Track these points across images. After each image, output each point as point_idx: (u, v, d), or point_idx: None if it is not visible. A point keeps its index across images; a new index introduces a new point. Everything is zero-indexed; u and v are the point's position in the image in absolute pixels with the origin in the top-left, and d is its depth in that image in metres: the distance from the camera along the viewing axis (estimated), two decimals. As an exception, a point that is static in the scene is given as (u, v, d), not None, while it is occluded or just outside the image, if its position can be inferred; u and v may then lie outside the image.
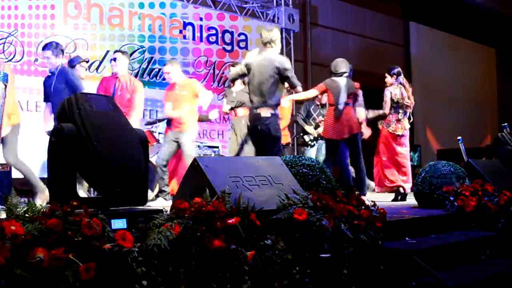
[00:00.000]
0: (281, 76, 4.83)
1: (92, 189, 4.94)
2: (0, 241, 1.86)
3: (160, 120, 6.96)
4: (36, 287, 1.89)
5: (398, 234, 3.60)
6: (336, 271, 2.84)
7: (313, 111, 7.34)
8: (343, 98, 5.48)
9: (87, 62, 6.22)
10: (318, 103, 7.35)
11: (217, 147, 7.20)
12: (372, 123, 6.23)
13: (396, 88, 5.91)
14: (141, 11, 8.15)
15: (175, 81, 5.83)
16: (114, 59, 5.55)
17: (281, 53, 9.78)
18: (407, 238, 3.62)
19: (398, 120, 5.91)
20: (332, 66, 5.68)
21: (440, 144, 11.80)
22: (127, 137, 2.75)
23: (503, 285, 3.40)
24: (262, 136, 4.84)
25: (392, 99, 5.88)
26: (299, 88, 5.05)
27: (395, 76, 6.01)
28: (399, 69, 6.12)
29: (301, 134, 7.51)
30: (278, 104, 4.91)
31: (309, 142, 7.33)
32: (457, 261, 3.55)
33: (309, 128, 7.28)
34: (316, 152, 7.30)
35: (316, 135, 7.23)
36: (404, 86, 5.96)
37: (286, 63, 4.87)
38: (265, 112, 4.79)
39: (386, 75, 6.08)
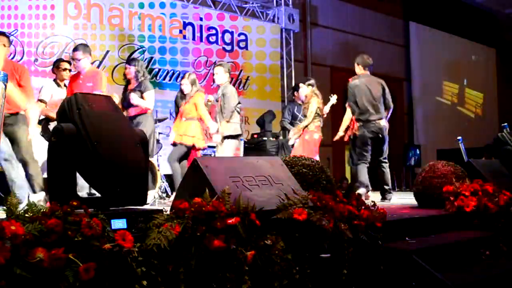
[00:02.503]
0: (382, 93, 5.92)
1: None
2: (0, 241, 1.86)
3: (160, 120, 6.96)
4: (36, 287, 1.89)
5: (398, 234, 3.60)
6: (336, 271, 2.84)
7: (297, 112, 7.14)
8: None
9: (69, 63, 5.96)
10: (300, 102, 7.18)
11: (214, 146, 7.12)
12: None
13: (319, 99, 6.39)
14: (141, 11, 8.15)
15: (80, 71, 5.39)
16: None
17: (281, 53, 9.92)
18: (407, 238, 3.62)
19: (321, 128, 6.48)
20: None
21: (440, 144, 11.79)
22: (127, 137, 2.75)
23: (503, 285, 3.40)
24: (382, 141, 5.87)
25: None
26: (391, 110, 6.07)
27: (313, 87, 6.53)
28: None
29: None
30: (386, 116, 5.96)
31: None
32: (457, 261, 3.55)
33: (298, 132, 7.14)
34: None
35: None
36: (318, 96, 6.43)
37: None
38: (384, 122, 5.87)
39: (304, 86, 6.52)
